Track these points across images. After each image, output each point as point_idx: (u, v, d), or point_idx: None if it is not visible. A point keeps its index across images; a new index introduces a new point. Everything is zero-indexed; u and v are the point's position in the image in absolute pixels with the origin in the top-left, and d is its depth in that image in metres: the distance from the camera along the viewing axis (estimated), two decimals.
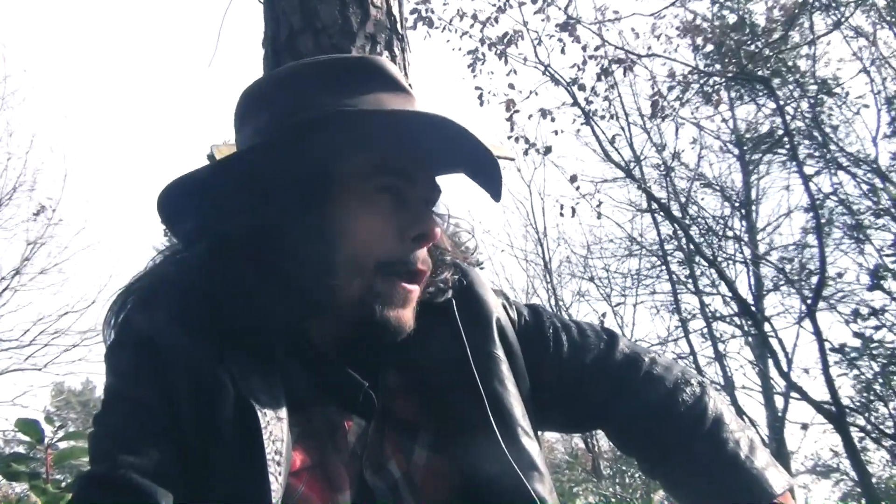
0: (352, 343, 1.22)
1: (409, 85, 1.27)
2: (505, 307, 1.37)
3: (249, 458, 1.03)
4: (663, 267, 15.16)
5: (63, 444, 2.24)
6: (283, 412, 1.09)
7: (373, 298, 1.15)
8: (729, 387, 14.40)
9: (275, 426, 1.06)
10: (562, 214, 11.38)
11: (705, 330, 14.82)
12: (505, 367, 1.25)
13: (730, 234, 14.33)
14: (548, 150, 10.96)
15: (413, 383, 1.24)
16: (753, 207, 15.60)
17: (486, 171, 1.25)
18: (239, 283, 1.14)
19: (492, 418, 1.18)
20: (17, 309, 14.20)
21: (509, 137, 10.43)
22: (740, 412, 13.34)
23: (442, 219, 1.33)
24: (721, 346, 14.70)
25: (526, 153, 10.88)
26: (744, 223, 15.25)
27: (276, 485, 1.02)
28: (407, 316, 1.18)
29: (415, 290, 1.19)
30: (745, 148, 15.39)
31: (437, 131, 1.16)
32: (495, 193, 1.27)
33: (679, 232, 12.52)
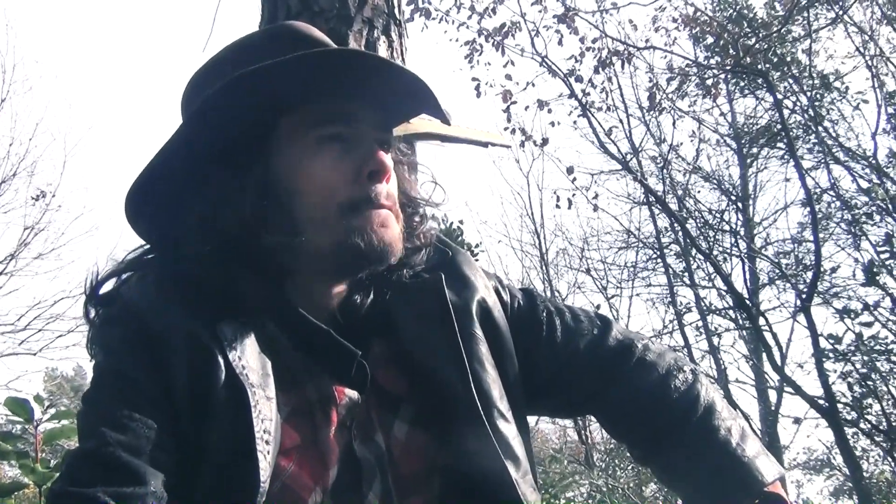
0: (340, 311, 1.23)
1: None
2: (498, 290, 1.37)
3: (239, 437, 1.03)
4: (659, 259, 15.18)
5: (53, 424, 2.23)
6: (272, 391, 1.09)
7: (350, 236, 1.15)
8: (722, 380, 14.42)
9: (264, 405, 1.06)
10: (558, 206, 11.39)
11: (700, 323, 14.84)
12: (484, 348, 1.25)
13: (726, 227, 14.33)
14: (545, 141, 10.93)
15: (397, 356, 1.24)
16: (751, 201, 15.61)
17: (423, 98, 1.25)
18: (217, 263, 1.15)
19: (476, 397, 1.18)
20: (9, 293, 14.15)
21: (506, 129, 10.41)
22: (733, 406, 13.31)
23: (411, 168, 1.36)
24: (715, 340, 14.72)
25: (522, 145, 10.87)
26: (740, 217, 15.27)
27: (265, 463, 1.02)
28: (391, 235, 1.18)
29: (389, 213, 1.19)
30: (742, 142, 15.39)
31: (364, 70, 1.18)
32: (441, 117, 1.29)
33: (675, 225, 12.51)
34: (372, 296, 1.26)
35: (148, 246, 1.26)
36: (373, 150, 1.19)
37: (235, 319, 1.13)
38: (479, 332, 1.27)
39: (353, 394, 1.18)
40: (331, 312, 1.23)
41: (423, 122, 2.68)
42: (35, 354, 14.38)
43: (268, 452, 1.04)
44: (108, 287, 1.22)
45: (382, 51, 2.51)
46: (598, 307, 14.39)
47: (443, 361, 1.21)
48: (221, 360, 1.07)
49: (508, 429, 1.21)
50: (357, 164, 1.18)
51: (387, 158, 1.20)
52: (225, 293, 1.15)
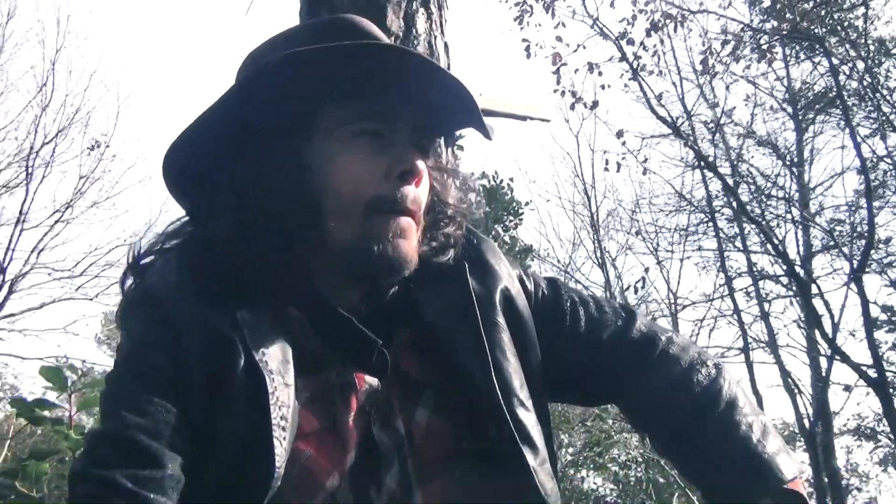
0: (364, 298, 1.25)
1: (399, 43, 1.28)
2: (522, 279, 1.38)
3: (256, 423, 1.04)
4: (710, 223, 15.01)
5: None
6: (291, 377, 1.11)
7: (368, 239, 1.17)
8: (773, 346, 14.28)
9: (282, 392, 1.08)
10: (606, 169, 11.29)
11: (751, 288, 14.68)
12: (506, 337, 1.26)
13: (780, 193, 14.11)
14: (595, 104, 10.82)
15: (421, 342, 1.25)
16: (806, 167, 15.32)
17: (467, 110, 1.26)
18: (244, 243, 1.16)
19: (496, 385, 1.19)
20: (65, 242, 14.53)
21: (555, 91, 10.33)
22: (785, 372, 13.24)
23: (447, 173, 1.35)
24: (766, 305, 14.55)
25: (572, 107, 10.76)
26: (795, 182, 14.99)
27: (281, 449, 1.04)
28: (406, 247, 1.19)
29: (410, 223, 1.20)
30: (798, 107, 15.07)
31: (412, 71, 1.19)
32: (484, 132, 1.31)
33: (727, 191, 12.35)
34: (396, 284, 1.28)
35: (184, 220, 1.29)
36: (407, 151, 1.20)
37: (257, 305, 1.15)
38: (501, 320, 1.27)
39: (374, 380, 1.19)
40: (354, 299, 1.24)
41: None
42: (92, 300, 14.78)
43: (284, 439, 1.05)
44: (145, 261, 1.26)
45: (421, 23, 2.48)
46: (646, 270, 14.32)
47: (465, 349, 1.23)
48: (241, 347, 1.09)
49: (528, 417, 1.22)
50: (389, 161, 1.19)
51: (420, 162, 1.21)
52: (249, 276, 1.17)
